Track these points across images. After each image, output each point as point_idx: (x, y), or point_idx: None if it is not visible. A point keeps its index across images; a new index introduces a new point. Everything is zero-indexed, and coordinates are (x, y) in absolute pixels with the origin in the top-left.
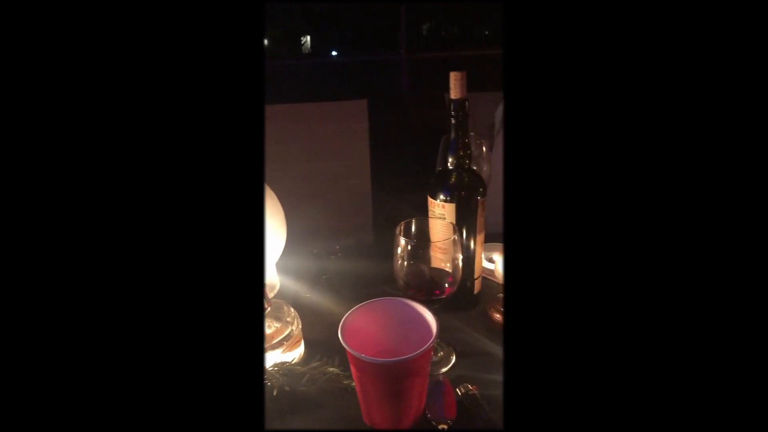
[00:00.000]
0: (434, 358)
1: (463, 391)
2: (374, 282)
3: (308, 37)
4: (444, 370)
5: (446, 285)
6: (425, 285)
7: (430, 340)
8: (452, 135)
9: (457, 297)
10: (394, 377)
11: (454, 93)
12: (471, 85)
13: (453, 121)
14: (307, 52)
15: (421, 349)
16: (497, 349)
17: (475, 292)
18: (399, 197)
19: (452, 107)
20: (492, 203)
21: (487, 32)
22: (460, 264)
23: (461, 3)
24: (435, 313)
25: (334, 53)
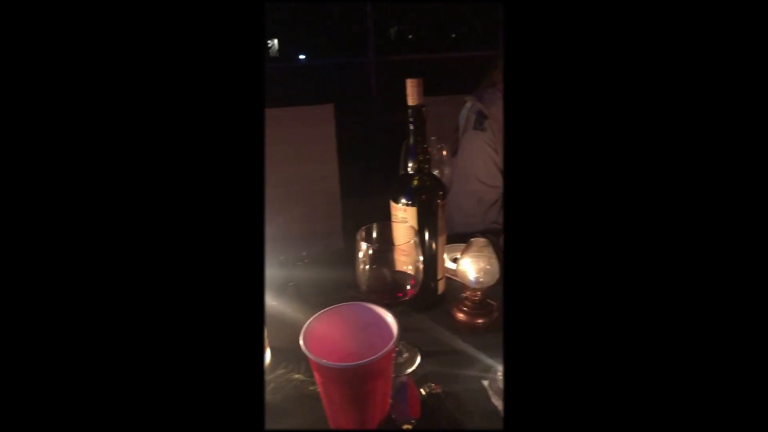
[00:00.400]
0: (399, 360)
1: (427, 390)
2: (340, 288)
3: (275, 41)
4: (409, 370)
5: (408, 287)
6: (388, 288)
7: (391, 343)
8: (411, 140)
9: (421, 298)
10: (356, 381)
11: (411, 99)
12: (437, 88)
13: (411, 127)
14: (274, 55)
15: (381, 352)
16: (462, 347)
17: (439, 292)
18: (369, 201)
19: (410, 113)
20: (456, 205)
21: (454, 35)
22: (421, 266)
23: (430, 6)
24: (397, 315)
25: (301, 57)
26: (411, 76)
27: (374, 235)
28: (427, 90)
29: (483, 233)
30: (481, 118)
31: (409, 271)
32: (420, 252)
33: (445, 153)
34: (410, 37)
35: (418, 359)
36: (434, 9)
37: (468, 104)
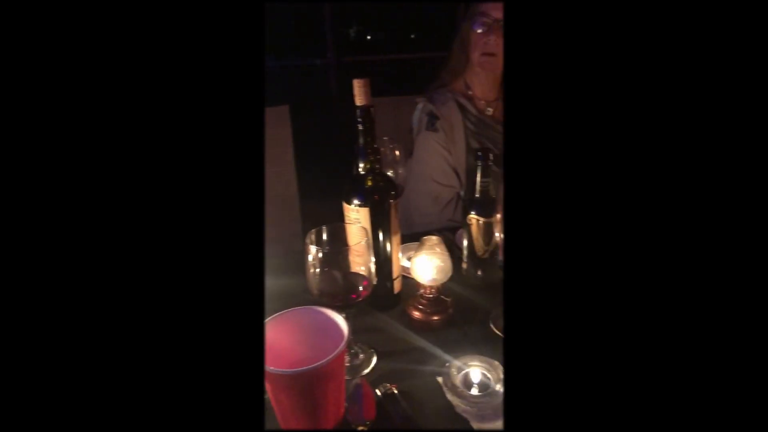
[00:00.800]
0: (355, 362)
1: (382, 390)
2: (295, 293)
3: None
4: (365, 372)
5: (361, 288)
6: (340, 290)
7: (339, 346)
8: (360, 141)
9: (378, 298)
10: (305, 387)
11: (359, 100)
12: (393, 88)
13: (360, 128)
14: None
15: (330, 356)
16: (418, 344)
17: (396, 291)
18: (329, 203)
19: (358, 114)
20: (414, 204)
21: (413, 36)
22: (374, 266)
23: (389, 6)
24: (352, 316)
25: None
26: (369, 77)
27: (325, 237)
28: (386, 90)
29: (440, 231)
30: (432, 119)
31: (362, 272)
32: (372, 252)
33: (398, 153)
34: (369, 38)
35: (374, 360)
36: (393, 9)
37: (419, 105)
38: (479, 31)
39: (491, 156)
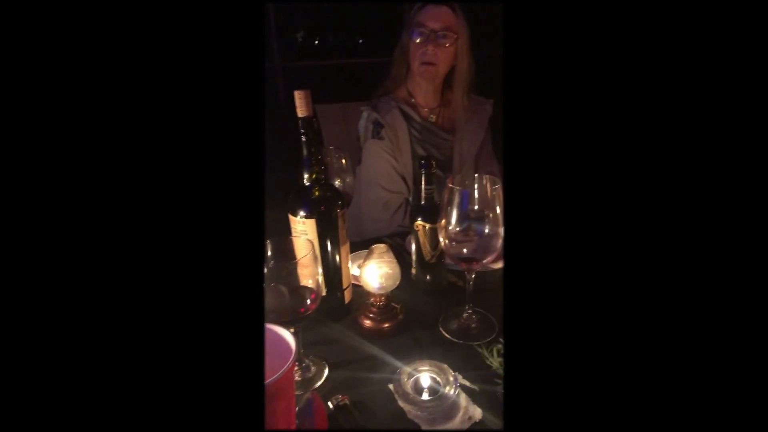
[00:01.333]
0: (307, 375)
1: (334, 403)
2: None
3: None
4: (317, 385)
5: (309, 302)
6: (287, 305)
7: (288, 362)
8: (304, 152)
9: (329, 309)
10: None
11: (300, 111)
12: (341, 95)
13: (303, 139)
14: None
15: (276, 375)
16: (369, 353)
17: (346, 302)
18: (274, 215)
19: (300, 125)
20: (365, 212)
21: (361, 41)
22: (322, 279)
23: (337, 11)
24: (298, 331)
25: None
26: (317, 82)
27: (269, 252)
28: (335, 96)
29: (392, 237)
30: (377, 126)
31: (309, 286)
32: (320, 264)
33: (344, 161)
34: (316, 42)
35: (326, 372)
36: (341, 14)
37: (364, 114)
38: (417, 40)
39: (434, 163)
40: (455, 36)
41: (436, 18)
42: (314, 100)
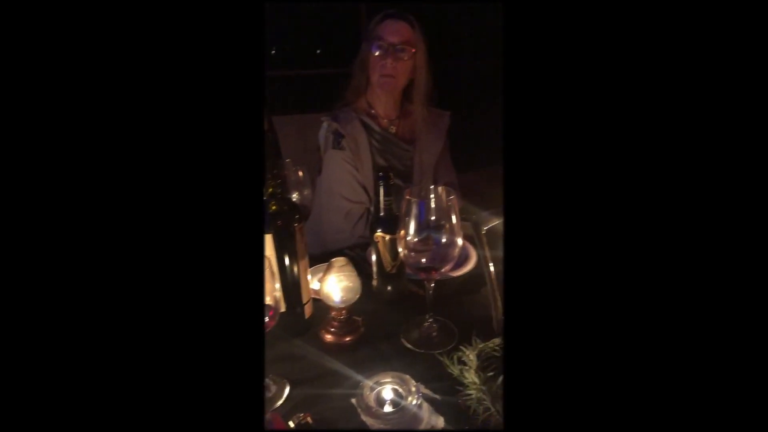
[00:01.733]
0: (268, 394)
1: (296, 421)
2: None
3: None
4: (278, 404)
5: (267, 319)
6: None
7: None
8: None
9: (289, 325)
10: None
11: None
12: (298, 105)
13: None
14: None
15: None
16: (331, 368)
17: (307, 316)
18: None
19: None
20: (326, 222)
21: (318, 51)
22: (279, 295)
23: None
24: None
25: None
26: (272, 94)
27: None
28: (291, 107)
29: (353, 248)
30: (338, 137)
31: (267, 302)
32: (277, 281)
33: (301, 174)
34: (273, 52)
35: (287, 390)
36: (297, 24)
37: (325, 124)
38: (377, 53)
39: (392, 175)
40: (413, 50)
41: (394, 32)
42: (270, 111)
